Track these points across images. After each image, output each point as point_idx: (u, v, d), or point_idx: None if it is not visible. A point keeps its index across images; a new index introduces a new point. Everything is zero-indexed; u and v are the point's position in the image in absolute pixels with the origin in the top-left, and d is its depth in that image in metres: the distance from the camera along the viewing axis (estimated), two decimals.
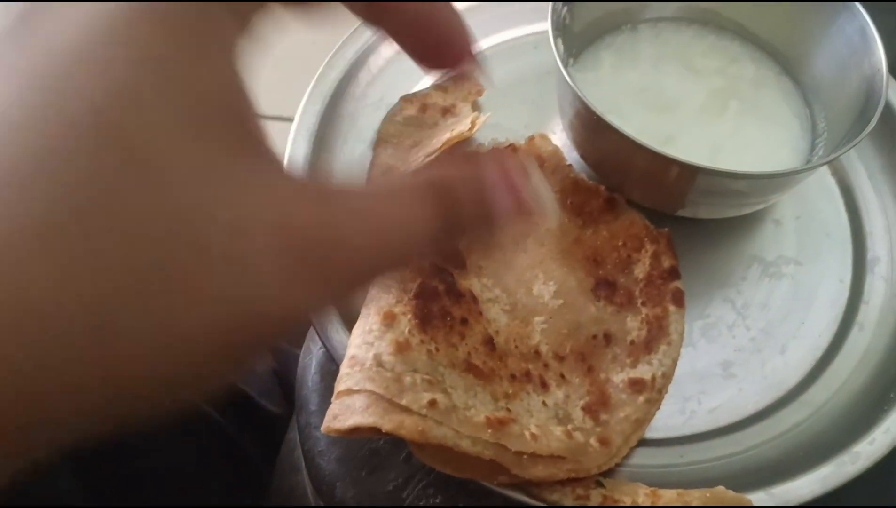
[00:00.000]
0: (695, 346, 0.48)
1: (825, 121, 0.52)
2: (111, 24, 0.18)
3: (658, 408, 0.42)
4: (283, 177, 0.21)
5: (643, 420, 0.41)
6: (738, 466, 0.43)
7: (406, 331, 0.37)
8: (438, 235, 0.23)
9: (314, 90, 0.54)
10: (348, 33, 0.56)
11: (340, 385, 0.35)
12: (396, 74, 0.57)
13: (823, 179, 0.54)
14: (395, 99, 0.55)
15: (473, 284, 0.43)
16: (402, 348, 0.36)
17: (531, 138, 0.50)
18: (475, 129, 0.51)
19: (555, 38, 0.48)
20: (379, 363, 0.36)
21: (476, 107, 0.55)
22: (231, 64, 0.21)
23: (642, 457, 0.43)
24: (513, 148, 0.49)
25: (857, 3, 0.49)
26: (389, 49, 0.58)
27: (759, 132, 0.52)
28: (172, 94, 0.19)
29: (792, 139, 0.52)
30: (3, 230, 0.16)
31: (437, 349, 0.38)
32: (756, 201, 0.50)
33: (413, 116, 0.56)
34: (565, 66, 0.53)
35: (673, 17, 0.57)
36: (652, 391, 0.41)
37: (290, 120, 0.52)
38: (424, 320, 0.38)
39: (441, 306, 0.39)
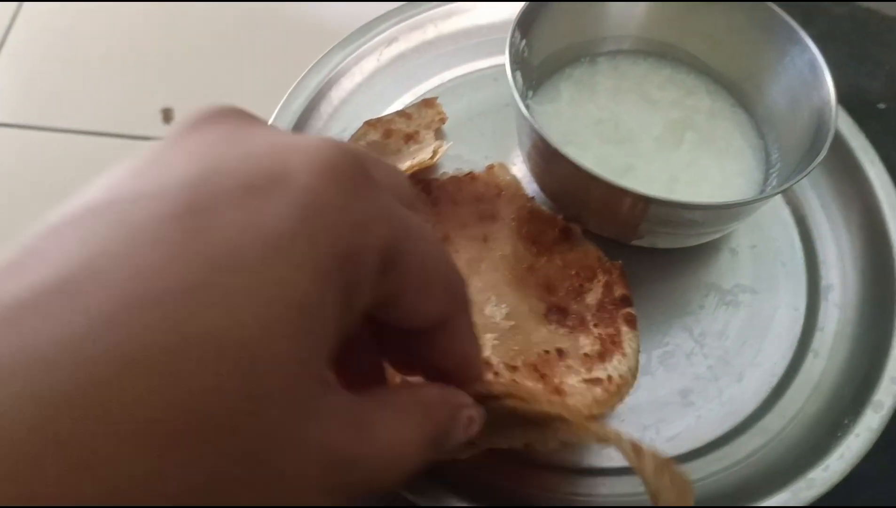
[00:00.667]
0: (653, 375, 0.48)
1: (778, 152, 0.53)
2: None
3: (618, 402, 0.42)
4: (329, 401, 0.22)
5: (604, 404, 0.41)
6: (697, 493, 0.43)
7: None
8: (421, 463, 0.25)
9: (275, 122, 0.54)
10: (309, 66, 0.56)
11: None
12: (359, 105, 0.58)
13: (778, 208, 0.55)
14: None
15: None
16: None
17: (490, 167, 0.50)
18: (437, 157, 0.51)
19: (512, 71, 0.49)
20: None
21: (439, 135, 0.55)
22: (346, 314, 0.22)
23: (600, 486, 0.43)
24: (472, 177, 0.49)
25: (807, 37, 0.51)
26: (351, 80, 0.58)
27: (715, 163, 0.53)
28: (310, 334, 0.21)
29: (746, 170, 0.53)
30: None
31: None
32: (712, 231, 0.50)
33: (376, 141, 0.56)
34: (524, 98, 0.54)
35: (631, 50, 0.58)
36: (610, 386, 0.41)
37: None
38: None
39: None
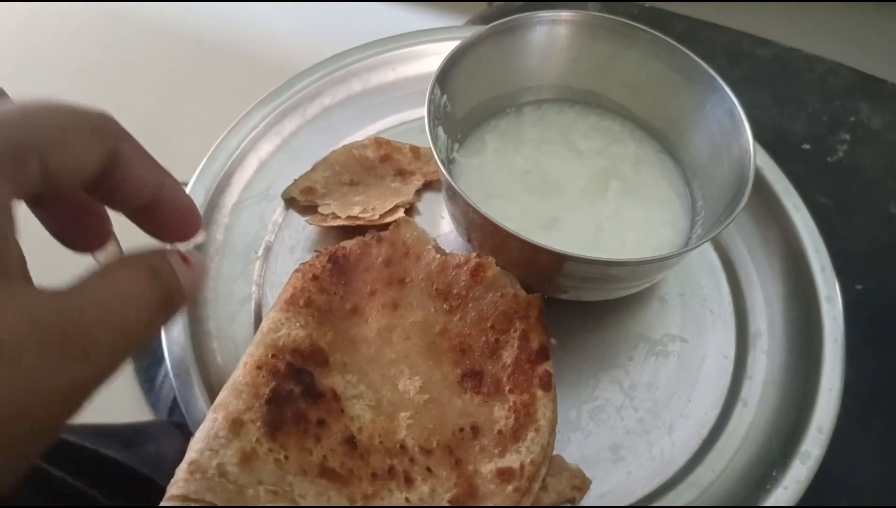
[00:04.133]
0: (583, 430, 0.47)
1: (703, 199, 0.53)
2: None
3: (531, 497, 0.41)
4: (32, 288, 0.27)
5: (516, 501, 0.41)
6: None
7: (254, 440, 0.36)
8: (161, 302, 0.30)
9: (196, 183, 0.53)
10: (227, 130, 0.55)
11: (175, 489, 0.34)
12: (283, 162, 0.57)
13: (706, 255, 0.55)
14: (283, 188, 0.55)
15: (336, 381, 0.42)
16: (248, 458, 0.35)
17: (396, 224, 0.49)
18: (393, 216, 0.52)
19: (433, 127, 0.49)
20: (222, 472, 0.34)
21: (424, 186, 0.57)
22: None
23: None
24: (378, 239, 0.48)
25: (725, 86, 0.51)
26: (277, 136, 0.58)
27: (641, 211, 0.53)
28: None
29: (673, 218, 0.53)
30: None
31: (287, 458, 0.37)
32: (637, 284, 0.50)
33: (368, 158, 0.56)
34: (449, 152, 0.54)
35: (556, 99, 0.58)
36: (521, 480, 0.40)
37: None
38: (275, 426, 0.37)
39: (296, 410, 0.39)
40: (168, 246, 0.34)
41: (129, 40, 1.56)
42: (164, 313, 0.31)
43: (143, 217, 0.34)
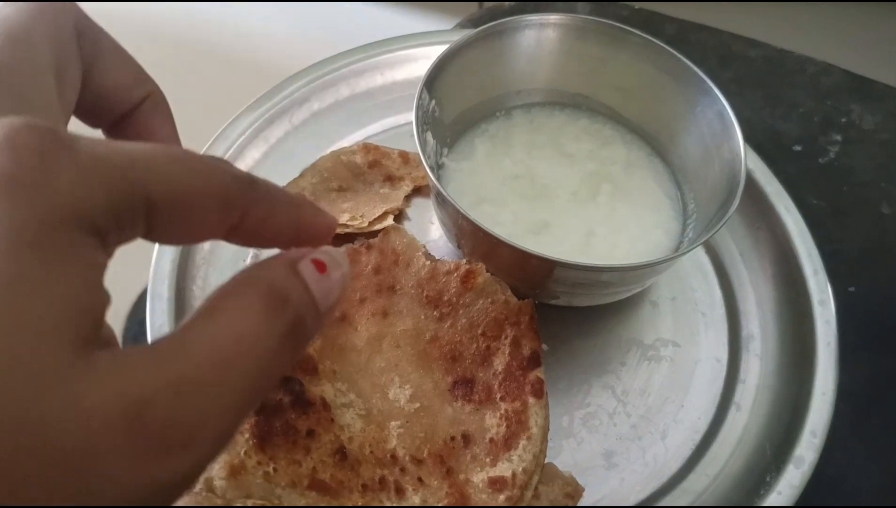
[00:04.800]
0: (576, 437, 0.47)
1: (694, 202, 0.53)
2: None
3: (525, 504, 0.41)
4: (119, 356, 0.21)
5: None
6: None
7: (242, 452, 0.36)
8: (289, 335, 0.24)
9: None
10: (213, 137, 0.55)
11: None
12: (272, 168, 0.56)
13: (698, 258, 0.55)
14: None
15: (326, 389, 0.42)
16: (235, 471, 0.35)
17: (385, 232, 0.49)
18: (379, 224, 0.51)
19: (422, 132, 0.48)
20: (210, 487, 0.34)
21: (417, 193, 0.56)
22: (88, 277, 0.22)
23: None
24: (367, 246, 0.48)
25: (715, 88, 0.50)
26: (265, 142, 0.57)
27: (632, 215, 0.53)
28: (31, 309, 0.20)
29: (664, 220, 0.53)
30: None
31: (276, 470, 0.36)
32: (629, 289, 0.50)
33: (357, 164, 0.56)
34: (438, 157, 0.53)
35: (546, 102, 0.58)
36: (513, 489, 0.40)
37: None
38: (263, 438, 0.37)
39: (285, 420, 0.38)
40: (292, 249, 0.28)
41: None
42: (294, 351, 0.25)
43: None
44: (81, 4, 0.32)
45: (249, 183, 0.26)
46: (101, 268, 0.22)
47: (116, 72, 0.32)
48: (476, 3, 1.56)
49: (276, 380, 0.26)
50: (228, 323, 0.23)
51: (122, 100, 0.32)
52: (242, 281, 0.24)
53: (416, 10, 1.67)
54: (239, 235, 0.27)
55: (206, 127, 0.57)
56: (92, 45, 0.31)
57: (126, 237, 0.23)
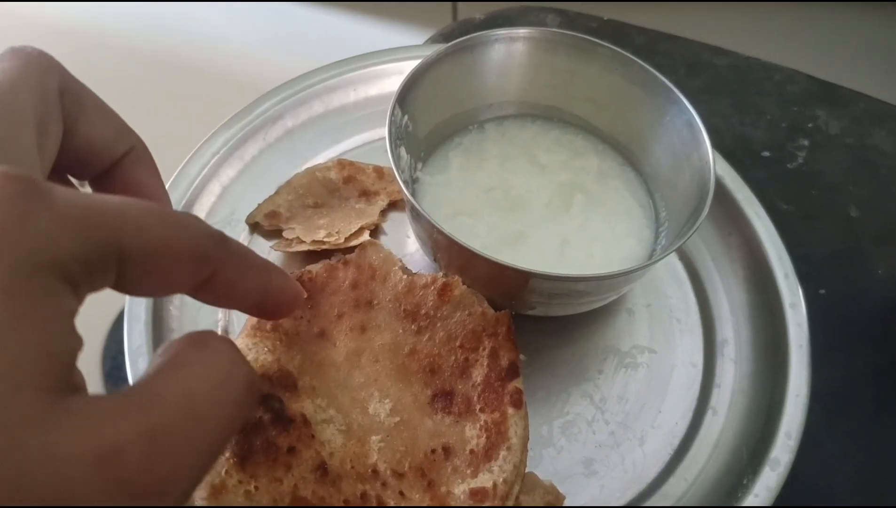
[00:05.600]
0: (555, 446, 0.47)
1: (666, 210, 0.53)
2: None
3: None
4: (90, 405, 0.22)
5: None
6: None
7: (222, 472, 0.36)
8: (247, 391, 0.26)
9: None
10: (188, 156, 0.55)
11: None
12: (247, 186, 0.56)
13: (672, 264, 0.56)
14: (246, 213, 0.55)
15: (306, 405, 0.42)
16: (217, 491, 0.35)
17: (362, 247, 0.49)
18: (356, 239, 0.51)
19: (395, 148, 0.49)
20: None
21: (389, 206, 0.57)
22: (60, 323, 0.22)
23: None
24: (344, 262, 0.48)
25: (683, 98, 0.51)
26: (239, 161, 0.57)
27: (605, 224, 0.53)
28: (4, 356, 0.20)
29: (637, 229, 0.54)
30: None
31: (258, 488, 0.36)
32: (604, 297, 0.50)
33: (332, 180, 0.56)
34: (413, 171, 0.54)
35: (518, 114, 0.59)
36: (495, 499, 0.40)
37: None
38: (244, 456, 0.37)
39: (265, 438, 0.38)
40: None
41: (90, 60, 1.54)
42: (254, 400, 0.27)
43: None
44: (50, 21, 0.33)
45: (222, 240, 0.28)
46: (73, 314, 0.23)
47: (99, 127, 0.33)
48: (449, 15, 1.57)
49: (240, 427, 0.28)
50: (197, 374, 0.24)
51: (104, 154, 0.33)
52: (202, 337, 0.26)
53: (391, 23, 1.68)
54: (207, 292, 0.28)
55: (181, 142, 0.57)
56: (75, 101, 0.32)
57: (97, 286, 0.24)
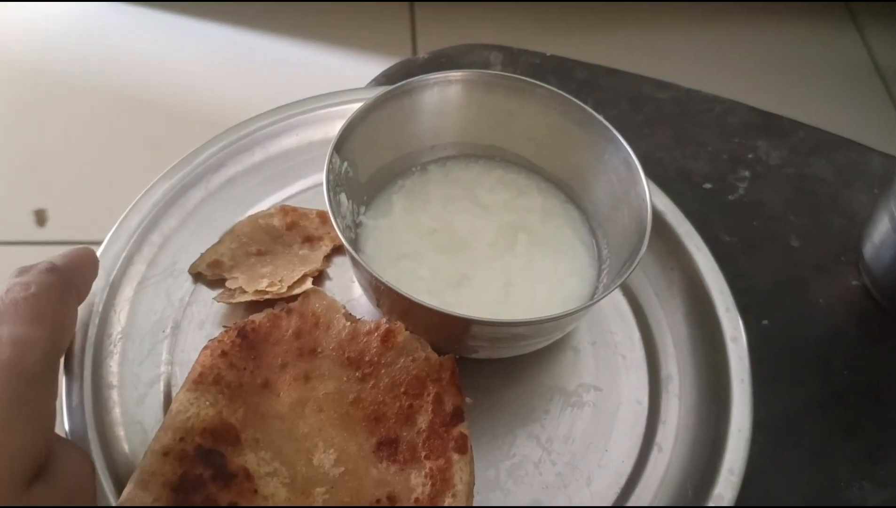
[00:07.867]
0: (502, 489, 0.47)
1: (608, 247, 0.54)
2: None
3: None
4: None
5: None
6: None
7: None
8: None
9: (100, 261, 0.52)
10: (128, 208, 0.55)
11: None
12: (189, 235, 0.56)
13: (615, 301, 0.56)
14: (189, 262, 0.54)
15: (249, 459, 0.41)
16: None
17: (305, 295, 0.49)
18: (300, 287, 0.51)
19: (334, 195, 0.49)
20: None
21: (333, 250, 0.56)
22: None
23: None
24: (288, 310, 0.48)
25: (619, 136, 0.52)
26: (181, 210, 0.57)
27: (549, 263, 0.54)
28: None
29: (580, 268, 0.54)
30: None
31: None
32: (547, 338, 0.51)
33: (274, 226, 0.56)
34: (355, 215, 0.54)
35: (460, 155, 0.59)
36: None
37: None
38: None
39: (205, 495, 0.38)
40: None
41: (44, 96, 1.52)
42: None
43: None
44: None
45: None
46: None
47: None
48: (409, 46, 1.59)
49: None
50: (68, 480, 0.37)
51: None
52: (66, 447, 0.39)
53: (350, 53, 1.69)
54: None
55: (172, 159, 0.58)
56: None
57: None
